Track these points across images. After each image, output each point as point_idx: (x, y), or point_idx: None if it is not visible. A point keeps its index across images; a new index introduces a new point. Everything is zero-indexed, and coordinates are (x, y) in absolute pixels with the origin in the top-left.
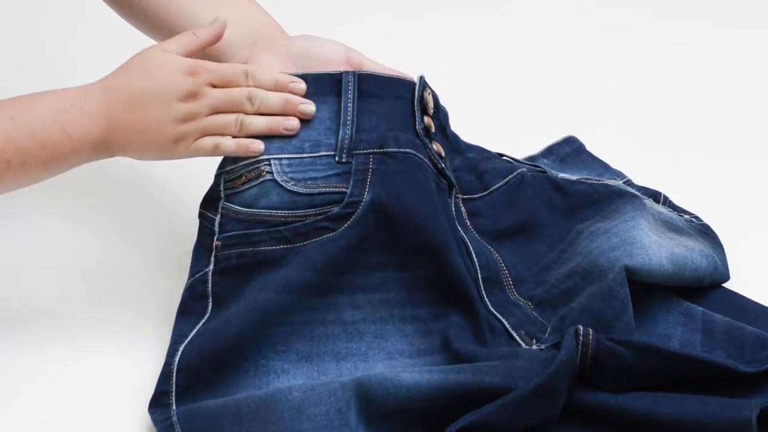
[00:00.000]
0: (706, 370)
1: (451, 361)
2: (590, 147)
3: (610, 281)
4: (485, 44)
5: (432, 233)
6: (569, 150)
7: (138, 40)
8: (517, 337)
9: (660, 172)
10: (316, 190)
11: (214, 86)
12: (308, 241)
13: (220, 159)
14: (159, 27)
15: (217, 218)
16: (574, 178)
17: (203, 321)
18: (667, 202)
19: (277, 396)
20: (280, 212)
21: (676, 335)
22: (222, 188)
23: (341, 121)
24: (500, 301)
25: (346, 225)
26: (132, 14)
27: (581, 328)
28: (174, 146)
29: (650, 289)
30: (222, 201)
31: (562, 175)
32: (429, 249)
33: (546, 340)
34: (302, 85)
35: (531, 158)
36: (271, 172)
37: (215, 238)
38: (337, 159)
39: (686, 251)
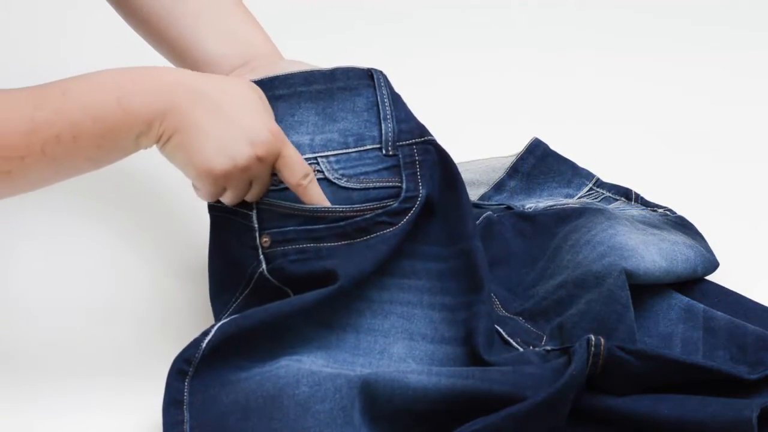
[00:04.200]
0: (714, 377)
1: (468, 358)
2: (587, 144)
3: (609, 285)
4: (483, 43)
5: (464, 223)
6: (533, 160)
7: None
8: (514, 344)
9: (661, 170)
10: (371, 185)
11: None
12: (369, 236)
13: None
14: (158, 40)
15: (253, 213)
16: (541, 205)
17: None
18: (639, 199)
19: (285, 390)
20: (338, 207)
21: (678, 333)
22: None
23: (381, 117)
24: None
25: (405, 220)
26: (135, 23)
27: (593, 338)
28: (206, 176)
29: (650, 287)
30: None
31: (529, 204)
32: (460, 238)
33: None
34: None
35: (498, 184)
36: (321, 171)
37: (257, 235)
38: (384, 152)
39: (672, 245)
